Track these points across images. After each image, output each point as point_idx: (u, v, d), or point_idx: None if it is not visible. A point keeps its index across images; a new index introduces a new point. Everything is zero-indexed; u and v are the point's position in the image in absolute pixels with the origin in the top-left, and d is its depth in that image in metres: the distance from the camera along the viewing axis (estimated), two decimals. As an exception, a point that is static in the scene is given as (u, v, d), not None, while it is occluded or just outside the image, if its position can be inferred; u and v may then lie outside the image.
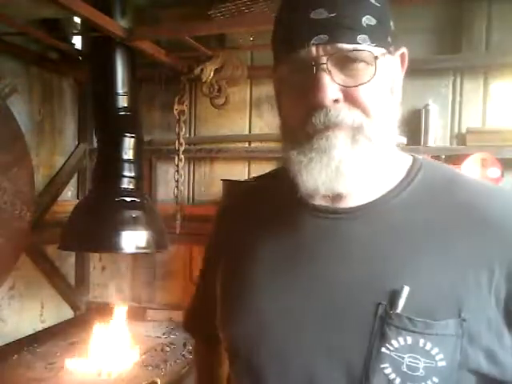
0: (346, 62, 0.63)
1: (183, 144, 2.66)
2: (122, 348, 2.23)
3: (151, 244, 2.23)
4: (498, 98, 2.42)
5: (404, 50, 0.71)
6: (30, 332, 2.60)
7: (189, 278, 2.94)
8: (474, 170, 2.26)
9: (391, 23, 0.68)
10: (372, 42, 0.63)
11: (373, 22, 0.63)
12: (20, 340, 2.42)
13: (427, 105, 2.46)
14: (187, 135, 2.86)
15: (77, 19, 2.59)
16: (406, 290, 0.62)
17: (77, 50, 2.74)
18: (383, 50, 0.66)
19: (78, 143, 3.06)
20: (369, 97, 0.65)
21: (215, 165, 2.93)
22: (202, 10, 2.24)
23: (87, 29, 2.39)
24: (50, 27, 2.48)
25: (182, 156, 2.67)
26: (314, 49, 0.62)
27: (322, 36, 0.62)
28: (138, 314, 2.81)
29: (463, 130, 2.46)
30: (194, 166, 2.98)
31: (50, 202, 2.79)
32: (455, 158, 2.33)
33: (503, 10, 2.39)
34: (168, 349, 2.34)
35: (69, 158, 2.99)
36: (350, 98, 0.64)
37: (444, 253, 0.64)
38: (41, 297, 2.79)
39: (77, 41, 2.78)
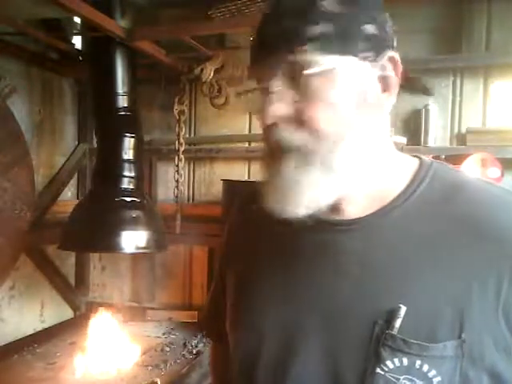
0: (296, 77, 0.59)
1: (183, 144, 2.66)
2: (121, 348, 2.23)
3: (151, 244, 2.23)
4: (497, 98, 2.42)
5: (391, 53, 0.63)
6: (30, 332, 2.60)
7: (189, 277, 2.94)
8: (473, 170, 2.26)
9: (370, 26, 0.60)
10: (326, 52, 0.58)
11: (327, 29, 0.57)
12: (20, 340, 2.41)
13: (427, 105, 2.46)
14: (187, 135, 2.85)
15: (77, 19, 2.59)
16: (403, 309, 0.60)
17: (77, 49, 2.74)
18: (349, 59, 0.59)
19: (78, 143, 3.06)
20: (320, 114, 0.59)
21: (215, 165, 2.93)
22: (201, 10, 2.24)
23: (87, 29, 2.39)
24: (50, 27, 2.48)
25: (182, 156, 2.67)
26: (259, 66, 0.61)
27: (268, 51, 0.59)
28: (137, 313, 2.81)
29: (463, 130, 2.46)
30: (193, 165, 2.98)
31: (50, 202, 2.79)
32: (455, 158, 2.33)
33: (503, 10, 2.39)
34: (168, 349, 2.33)
35: (69, 158, 2.99)
36: (299, 117, 0.59)
37: (445, 270, 0.61)
38: (41, 297, 2.79)
39: (77, 41, 2.78)
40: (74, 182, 3.06)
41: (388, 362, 0.60)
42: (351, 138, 0.60)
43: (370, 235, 0.65)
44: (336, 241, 0.66)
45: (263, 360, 0.69)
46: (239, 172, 2.80)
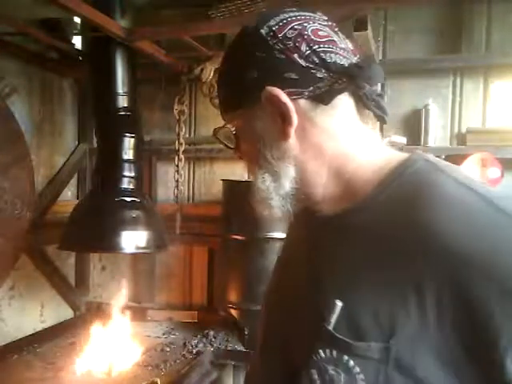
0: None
1: (183, 144, 2.66)
2: (121, 348, 2.23)
3: (151, 244, 2.23)
4: (497, 98, 2.42)
5: (266, 91, 0.66)
6: (30, 332, 2.60)
7: (189, 277, 2.94)
8: (473, 169, 2.26)
9: (249, 73, 0.67)
10: (227, 113, 0.73)
11: (224, 93, 0.73)
12: (20, 340, 2.41)
13: (427, 105, 2.46)
14: (187, 135, 2.86)
15: (77, 19, 2.59)
16: (339, 306, 0.63)
17: (77, 50, 2.74)
18: (241, 111, 0.70)
19: (78, 143, 3.06)
20: (245, 154, 0.75)
21: (215, 165, 2.93)
22: (201, 10, 2.24)
23: (87, 29, 2.39)
24: (50, 27, 2.48)
25: (182, 156, 2.67)
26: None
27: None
28: (138, 313, 2.81)
29: (463, 130, 2.46)
30: (193, 166, 2.98)
31: (49, 202, 2.79)
32: (455, 158, 2.33)
33: (503, 10, 2.39)
34: (168, 349, 2.33)
35: (69, 158, 2.99)
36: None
37: (387, 276, 0.61)
38: (41, 297, 2.79)
39: (77, 41, 2.78)
40: (74, 181, 3.06)
41: (320, 351, 0.64)
42: (285, 161, 0.69)
43: (332, 233, 0.71)
44: (313, 236, 0.75)
45: (268, 328, 0.82)
46: (239, 172, 2.80)
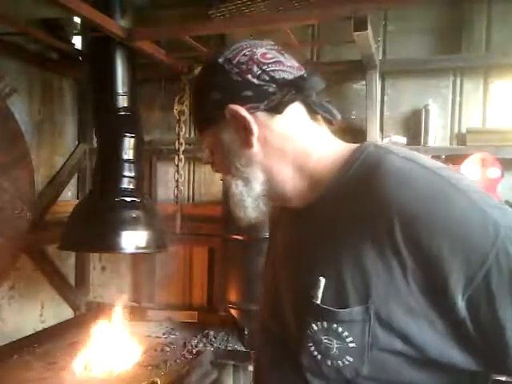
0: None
1: (183, 144, 2.66)
2: (121, 348, 2.23)
3: (151, 244, 2.23)
4: (497, 98, 2.42)
5: (228, 110, 0.77)
6: (30, 332, 2.60)
7: (189, 278, 2.94)
8: (473, 169, 2.26)
9: (214, 93, 0.79)
10: (201, 132, 0.85)
11: (196, 115, 0.87)
12: (20, 340, 2.41)
13: (427, 105, 2.46)
14: (187, 135, 2.85)
15: (77, 19, 2.59)
16: (322, 281, 0.73)
17: (77, 49, 2.74)
18: (212, 128, 0.82)
19: (78, 143, 3.06)
20: (219, 166, 0.87)
21: (215, 165, 2.92)
22: (201, 10, 2.24)
23: (87, 29, 2.39)
24: (50, 27, 2.48)
25: (182, 156, 2.67)
26: None
27: None
28: (137, 313, 2.81)
29: (463, 130, 2.46)
30: (193, 166, 2.98)
31: (49, 202, 2.79)
32: (455, 158, 2.33)
33: (503, 10, 2.39)
34: (168, 349, 2.33)
35: (69, 158, 2.99)
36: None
37: (354, 244, 0.70)
38: (41, 297, 2.79)
39: (77, 41, 2.78)
40: (74, 181, 3.06)
41: (313, 325, 0.73)
42: (252, 166, 0.80)
43: (307, 220, 0.81)
44: (294, 222, 0.85)
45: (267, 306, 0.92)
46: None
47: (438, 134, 2.48)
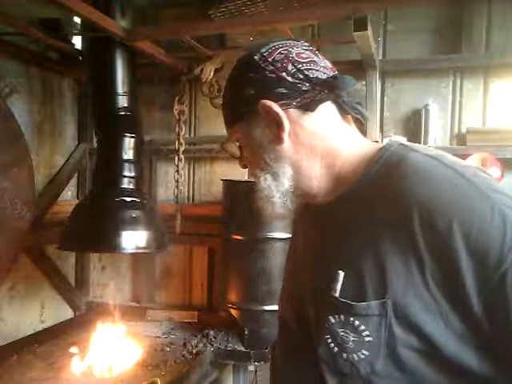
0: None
1: (183, 144, 2.66)
2: (121, 348, 2.23)
3: (151, 244, 2.23)
4: (497, 98, 2.42)
5: (261, 103, 0.79)
6: (30, 332, 2.60)
7: (189, 278, 2.94)
8: (473, 170, 2.26)
9: (247, 90, 0.81)
10: (232, 126, 0.87)
11: (228, 109, 0.88)
12: (20, 340, 2.42)
13: (427, 105, 2.46)
14: (187, 135, 2.86)
15: (77, 19, 2.59)
16: (341, 275, 0.74)
17: (77, 50, 2.74)
18: (242, 123, 0.84)
19: (78, 143, 3.06)
20: (248, 160, 0.89)
21: (215, 165, 2.93)
22: (202, 10, 2.24)
23: (87, 29, 2.39)
24: (50, 27, 2.48)
25: (182, 156, 2.67)
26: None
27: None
28: (138, 313, 2.81)
29: (463, 130, 2.46)
30: (194, 166, 2.98)
31: (49, 202, 2.79)
32: (455, 158, 2.33)
33: (503, 10, 2.39)
34: (168, 349, 2.33)
35: (69, 158, 2.99)
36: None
37: (374, 242, 0.72)
38: (41, 297, 2.80)
39: (77, 41, 2.78)
40: (74, 181, 3.06)
41: (330, 318, 0.75)
42: (282, 162, 0.82)
43: (329, 216, 0.83)
44: (316, 219, 0.87)
45: (288, 297, 0.95)
46: (239, 172, 2.80)
47: (437, 134, 2.48)
